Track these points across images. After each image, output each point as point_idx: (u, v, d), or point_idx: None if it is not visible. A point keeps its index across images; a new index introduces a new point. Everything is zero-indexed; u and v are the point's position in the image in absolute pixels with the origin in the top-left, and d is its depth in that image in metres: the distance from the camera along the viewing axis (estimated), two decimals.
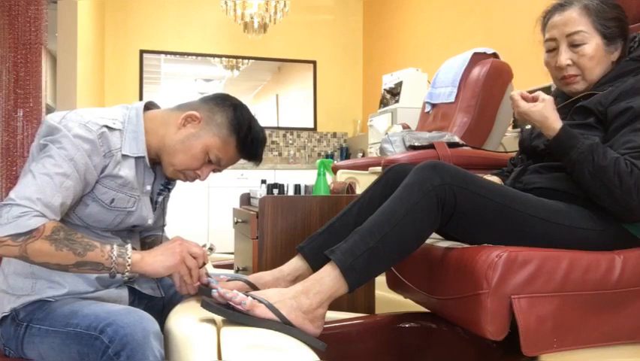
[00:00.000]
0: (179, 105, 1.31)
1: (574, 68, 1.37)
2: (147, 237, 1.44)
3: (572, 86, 1.39)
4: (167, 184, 1.37)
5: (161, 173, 1.33)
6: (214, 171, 1.32)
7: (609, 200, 1.20)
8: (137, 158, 1.24)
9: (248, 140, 1.28)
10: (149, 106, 1.32)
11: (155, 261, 1.12)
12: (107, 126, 1.18)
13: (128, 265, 1.09)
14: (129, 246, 1.12)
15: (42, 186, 1.07)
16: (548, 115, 1.27)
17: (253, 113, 1.33)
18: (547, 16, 1.42)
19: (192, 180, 1.30)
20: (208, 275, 1.21)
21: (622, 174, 1.16)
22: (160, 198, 1.36)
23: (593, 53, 1.34)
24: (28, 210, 1.04)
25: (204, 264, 1.18)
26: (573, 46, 1.36)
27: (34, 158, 1.14)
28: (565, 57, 1.37)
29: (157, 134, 1.26)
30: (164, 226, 1.47)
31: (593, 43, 1.34)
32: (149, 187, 1.30)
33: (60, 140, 1.11)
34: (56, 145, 1.11)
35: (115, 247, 1.10)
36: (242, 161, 1.33)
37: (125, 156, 1.21)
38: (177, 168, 1.27)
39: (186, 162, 1.26)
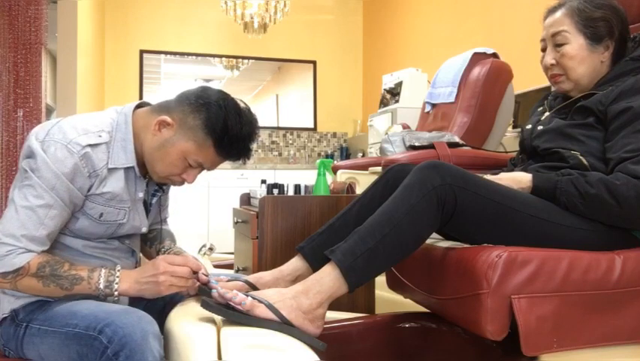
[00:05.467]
0: (158, 106, 1.24)
1: (557, 67, 1.39)
2: (149, 231, 1.42)
3: (559, 85, 1.41)
4: (162, 184, 1.35)
5: None
6: (205, 170, 1.27)
7: (619, 221, 1.20)
8: (126, 168, 1.20)
9: (225, 141, 1.18)
10: (141, 105, 1.27)
11: (141, 290, 1.14)
12: (90, 145, 1.13)
13: (116, 298, 1.14)
14: (118, 272, 1.14)
15: (24, 221, 1.08)
16: (512, 175, 1.31)
17: (242, 107, 1.22)
18: (544, 17, 1.44)
19: (180, 184, 1.26)
20: (207, 275, 1.20)
21: (615, 192, 1.16)
22: (154, 200, 1.34)
23: (575, 53, 1.35)
24: (13, 248, 1.07)
25: (196, 273, 1.17)
26: (557, 46, 1.38)
27: (21, 177, 1.13)
28: (549, 57, 1.40)
29: (139, 138, 1.22)
30: (165, 218, 1.46)
31: (575, 44, 1.35)
32: (141, 194, 1.27)
33: (40, 168, 1.09)
34: (36, 174, 1.09)
35: (102, 277, 1.12)
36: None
37: (112, 169, 1.18)
38: (159, 175, 1.23)
39: (166, 169, 1.21)
